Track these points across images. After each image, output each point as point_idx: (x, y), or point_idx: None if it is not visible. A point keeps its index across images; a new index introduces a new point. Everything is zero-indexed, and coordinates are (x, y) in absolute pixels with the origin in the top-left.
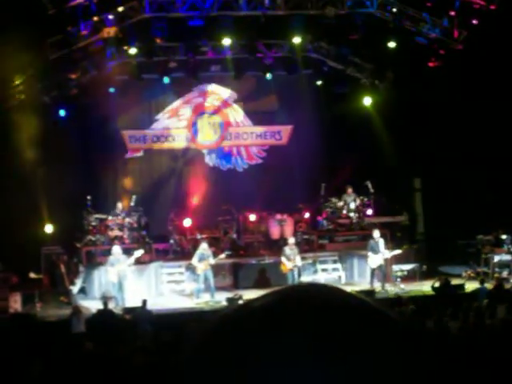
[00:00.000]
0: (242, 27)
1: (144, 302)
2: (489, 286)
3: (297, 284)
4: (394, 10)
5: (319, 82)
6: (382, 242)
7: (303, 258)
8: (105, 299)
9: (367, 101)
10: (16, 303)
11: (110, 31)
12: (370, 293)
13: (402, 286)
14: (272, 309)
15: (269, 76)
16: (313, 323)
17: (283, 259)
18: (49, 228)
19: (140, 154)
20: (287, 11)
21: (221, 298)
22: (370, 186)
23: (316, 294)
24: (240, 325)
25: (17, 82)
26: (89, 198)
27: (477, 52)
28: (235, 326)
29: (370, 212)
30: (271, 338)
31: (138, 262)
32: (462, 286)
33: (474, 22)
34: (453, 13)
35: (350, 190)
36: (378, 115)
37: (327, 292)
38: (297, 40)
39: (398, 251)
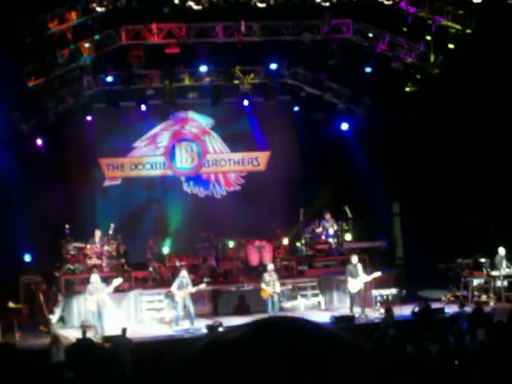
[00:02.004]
0: (219, 54)
1: (123, 330)
2: (468, 309)
3: (269, 317)
4: (370, 35)
5: (296, 108)
6: (360, 266)
7: (282, 284)
8: (84, 328)
9: (345, 126)
10: None
11: (86, 59)
12: (350, 318)
13: (382, 310)
14: (244, 343)
15: (246, 102)
16: (284, 358)
17: (262, 285)
18: (27, 257)
19: (118, 181)
20: (263, 37)
21: (200, 325)
22: (348, 211)
23: (287, 329)
24: (212, 359)
25: None
26: (67, 226)
27: (453, 76)
28: (208, 360)
29: (348, 237)
30: (243, 371)
31: (117, 290)
32: (441, 310)
33: (450, 46)
34: (429, 37)
35: (328, 216)
36: (356, 140)
37: (298, 326)
38: (273, 66)
39: (377, 274)
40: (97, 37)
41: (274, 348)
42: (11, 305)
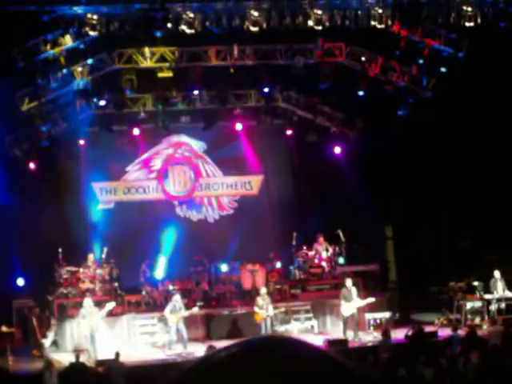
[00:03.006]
0: (212, 78)
1: (117, 354)
2: (461, 333)
3: (260, 337)
4: (363, 58)
5: (289, 132)
6: (354, 290)
7: (275, 308)
8: (77, 352)
9: (337, 149)
10: None
11: (79, 83)
12: (343, 342)
13: (375, 334)
14: (235, 361)
15: (239, 126)
16: (274, 378)
17: (256, 309)
18: (20, 281)
19: (111, 205)
20: (256, 61)
21: (193, 350)
22: (341, 234)
23: (278, 348)
24: (204, 378)
25: None
26: (60, 250)
27: (445, 99)
28: (200, 378)
29: (341, 261)
30: None
31: (110, 314)
32: (435, 334)
33: (443, 69)
34: (421, 61)
35: (321, 239)
36: (349, 163)
37: (289, 345)
38: (266, 90)
39: (371, 299)
40: (90, 61)
41: (265, 366)
42: (4, 329)
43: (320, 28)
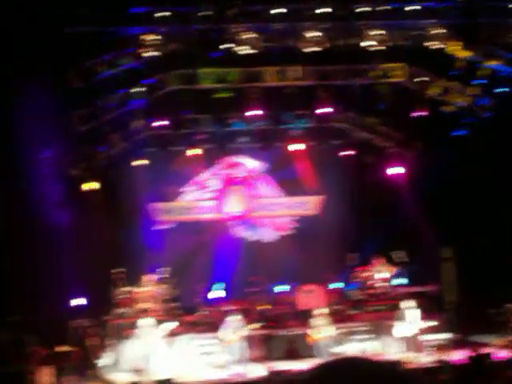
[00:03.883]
0: (269, 98)
1: (175, 374)
2: None
3: (336, 358)
4: (422, 79)
5: (347, 152)
6: (414, 311)
7: (332, 329)
8: (135, 372)
9: (396, 170)
10: (45, 377)
11: (137, 104)
12: (402, 363)
13: (433, 355)
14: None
15: (297, 146)
16: None
17: (310, 331)
18: (77, 301)
19: (169, 225)
20: (315, 82)
21: (252, 369)
22: (399, 255)
23: (355, 367)
24: None
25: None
26: (117, 270)
27: (505, 119)
28: None
29: (400, 281)
30: None
31: (169, 334)
32: (494, 355)
33: (502, 89)
34: (480, 81)
35: (379, 260)
36: (407, 184)
37: (364, 364)
38: (324, 110)
39: (431, 323)
40: (147, 81)
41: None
42: (61, 349)
43: (379, 48)
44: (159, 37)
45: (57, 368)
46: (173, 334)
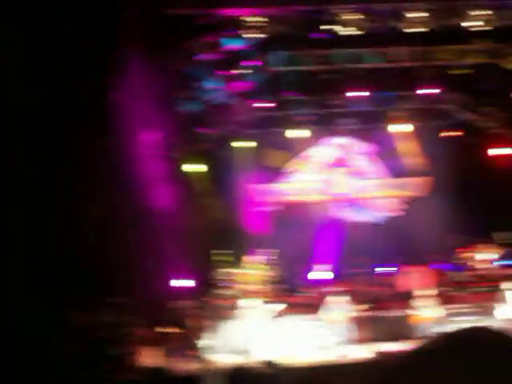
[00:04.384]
0: (374, 79)
1: (281, 356)
2: None
3: (461, 329)
4: None
5: (452, 133)
6: None
7: (435, 310)
8: (237, 353)
9: (501, 151)
10: (148, 358)
11: (240, 86)
12: None
13: None
14: (440, 354)
15: (402, 127)
16: (476, 366)
17: (415, 311)
18: (179, 282)
19: (273, 207)
20: (419, 62)
21: (357, 351)
22: (504, 236)
23: (477, 339)
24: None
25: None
26: (220, 251)
27: None
28: (413, 370)
29: (505, 263)
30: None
31: (275, 315)
32: None
33: None
34: None
35: (483, 242)
36: None
37: (490, 333)
38: (429, 91)
39: None
40: (250, 63)
41: (467, 357)
42: (162, 330)
43: (485, 29)
44: (261, 18)
45: (160, 349)
46: (278, 315)
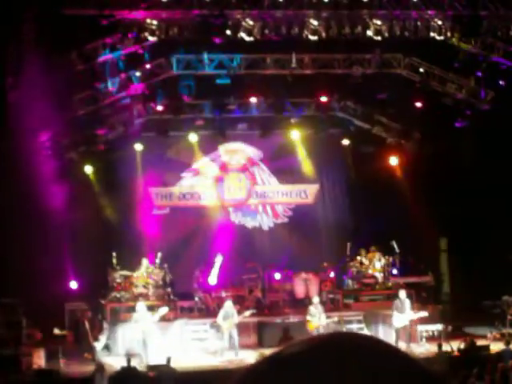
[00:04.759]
0: (269, 86)
1: (168, 359)
2: None
3: (330, 334)
4: (421, 70)
5: (345, 141)
6: (407, 302)
7: (328, 317)
8: (129, 356)
9: (393, 160)
10: (40, 359)
11: (137, 88)
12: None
13: (427, 346)
14: (303, 357)
15: (295, 134)
16: (345, 370)
17: (308, 318)
18: (73, 284)
19: (166, 210)
20: (314, 70)
21: (245, 356)
22: (395, 245)
23: (346, 342)
24: (272, 373)
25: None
26: (114, 254)
27: (503, 112)
28: (268, 374)
29: (395, 272)
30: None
31: (163, 319)
32: (487, 347)
33: (501, 82)
34: (480, 73)
35: (375, 250)
36: (404, 175)
37: (357, 340)
38: (323, 99)
39: (423, 313)
40: (148, 66)
41: (335, 359)
42: (56, 331)
43: (379, 38)
44: (161, 22)
45: (52, 350)
46: (167, 319)
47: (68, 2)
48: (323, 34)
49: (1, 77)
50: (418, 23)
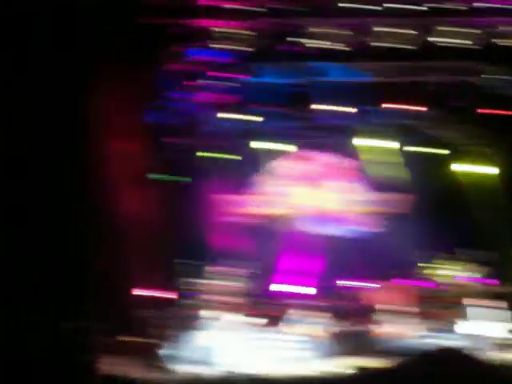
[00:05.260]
0: (344, 93)
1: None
2: None
3: (439, 349)
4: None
5: (423, 149)
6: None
7: (402, 326)
8: (201, 364)
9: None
10: (111, 366)
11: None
12: None
13: None
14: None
15: (378, 143)
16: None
17: (381, 326)
18: (143, 291)
19: (237, 218)
20: (386, 78)
21: (328, 365)
22: (473, 253)
23: (451, 361)
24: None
25: None
26: (187, 261)
27: None
28: None
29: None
30: None
31: (239, 326)
32: None
33: None
34: None
35: (457, 257)
36: (493, 183)
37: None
38: (398, 106)
39: None
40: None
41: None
42: (126, 338)
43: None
44: (233, 30)
45: (122, 358)
46: (244, 326)
47: (141, 12)
48: (393, 42)
49: (79, 88)
50: (495, 30)
